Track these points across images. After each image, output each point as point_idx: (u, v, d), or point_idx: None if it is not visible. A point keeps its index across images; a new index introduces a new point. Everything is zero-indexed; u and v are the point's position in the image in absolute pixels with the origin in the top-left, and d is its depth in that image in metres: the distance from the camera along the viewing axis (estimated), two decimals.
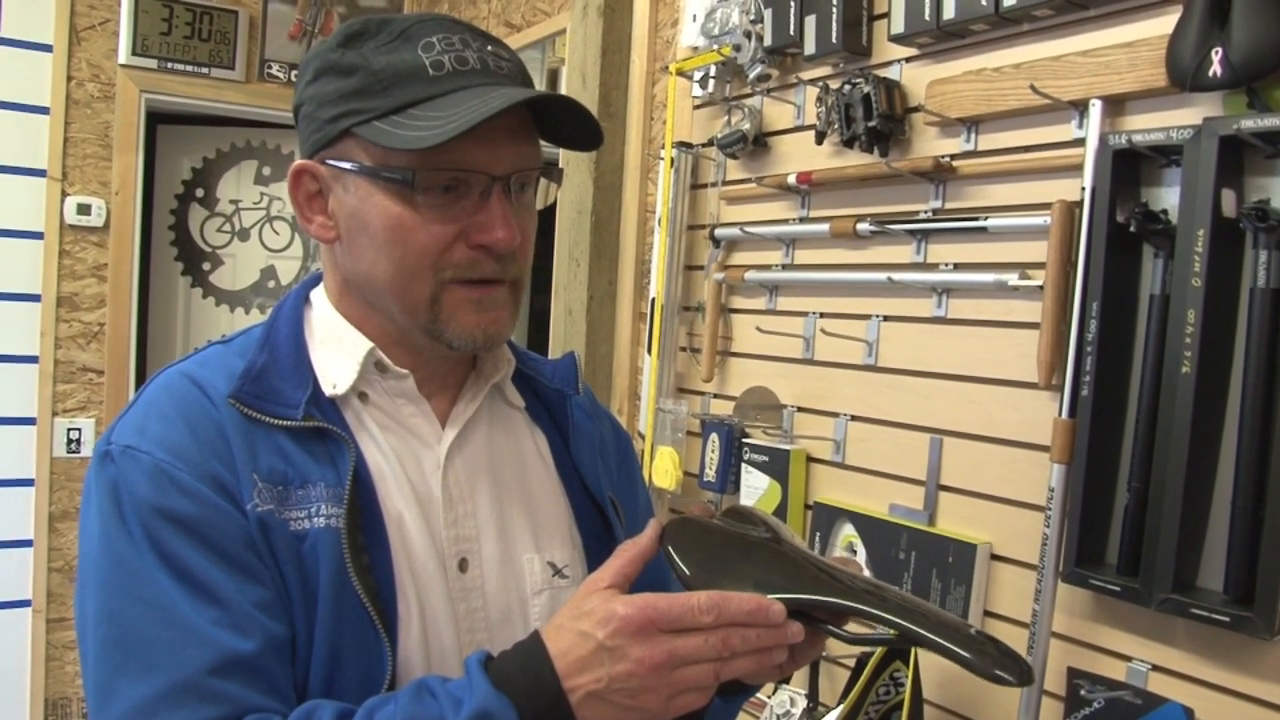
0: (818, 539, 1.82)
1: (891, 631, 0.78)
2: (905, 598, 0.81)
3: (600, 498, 1.05)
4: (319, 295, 1.00)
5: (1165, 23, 1.31)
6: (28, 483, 3.14)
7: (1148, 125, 1.34)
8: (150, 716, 0.77)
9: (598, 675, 0.76)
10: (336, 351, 0.95)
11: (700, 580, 0.81)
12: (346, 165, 0.90)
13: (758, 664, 0.77)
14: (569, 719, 0.77)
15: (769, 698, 1.82)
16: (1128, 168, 1.35)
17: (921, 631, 0.77)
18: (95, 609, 0.82)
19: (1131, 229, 1.32)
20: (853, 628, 0.82)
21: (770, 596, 0.78)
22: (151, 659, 0.79)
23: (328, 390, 0.93)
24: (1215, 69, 1.22)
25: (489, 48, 0.91)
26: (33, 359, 3.15)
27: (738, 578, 0.81)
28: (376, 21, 0.90)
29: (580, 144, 0.97)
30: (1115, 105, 1.39)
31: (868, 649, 1.61)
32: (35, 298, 3.14)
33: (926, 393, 1.68)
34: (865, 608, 0.79)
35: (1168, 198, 1.32)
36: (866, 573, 0.89)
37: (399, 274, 0.90)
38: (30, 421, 3.15)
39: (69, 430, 3.16)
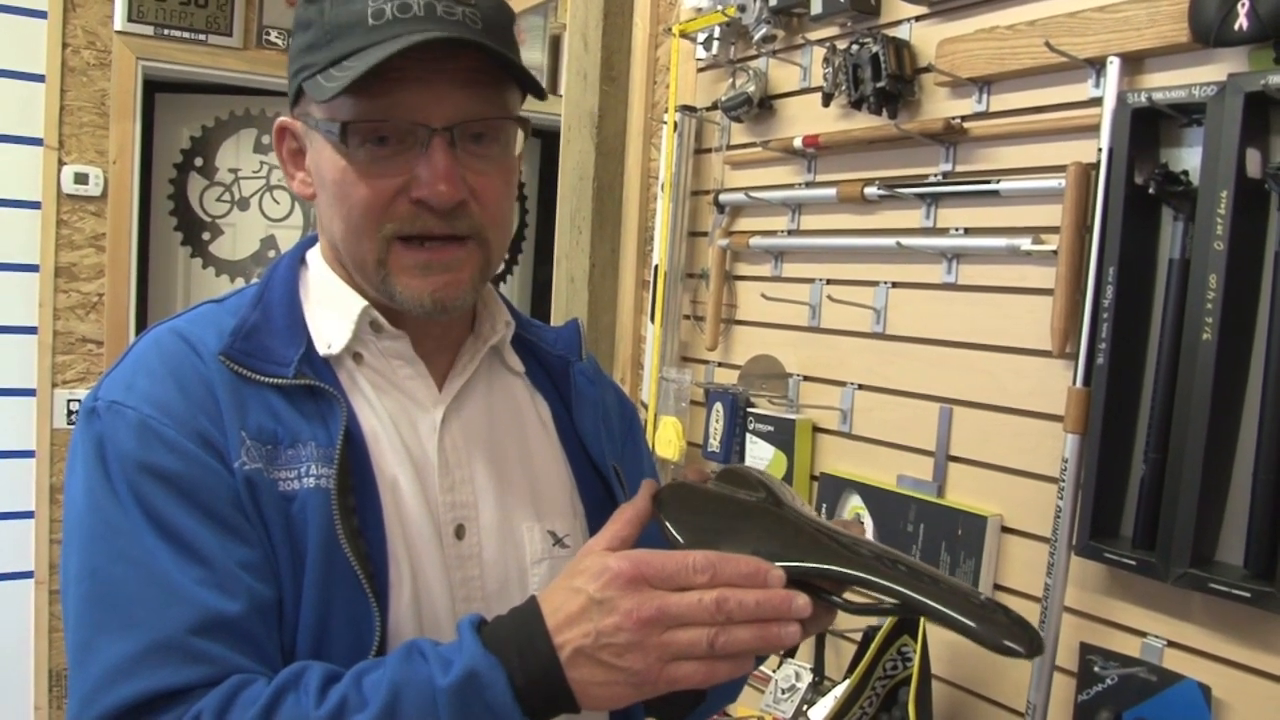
0: (824, 511, 1.79)
1: (894, 600, 0.74)
2: (911, 564, 0.77)
3: (603, 466, 1.03)
4: (314, 255, 0.98)
5: None
6: (28, 454, 3.13)
7: (1168, 83, 1.29)
8: (130, 675, 0.75)
9: (585, 630, 0.73)
10: (331, 311, 0.93)
11: (695, 548, 0.78)
12: (308, 121, 0.89)
13: (761, 637, 0.73)
14: (560, 679, 0.74)
15: (774, 671, 1.80)
16: (1147, 127, 1.30)
17: (925, 600, 0.73)
18: (78, 565, 0.80)
19: (1150, 191, 1.27)
20: (856, 595, 0.78)
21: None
22: (133, 617, 0.77)
23: (322, 349, 0.91)
24: (1241, 22, 1.17)
25: None
26: (31, 330, 3.12)
27: (733, 545, 0.77)
28: None
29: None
30: (1134, 62, 1.34)
31: (875, 620, 1.58)
32: (33, 268, 3.11)
33: (936, 361, 1.64)
34: (866, 575, 0.75)
35: (1189, 158, 1.28)
36: (870, 536, 0.85)
37: (348, 231, 0.88)
38: (30, 393, 3.13)
39: (69, 401, 3.14)
